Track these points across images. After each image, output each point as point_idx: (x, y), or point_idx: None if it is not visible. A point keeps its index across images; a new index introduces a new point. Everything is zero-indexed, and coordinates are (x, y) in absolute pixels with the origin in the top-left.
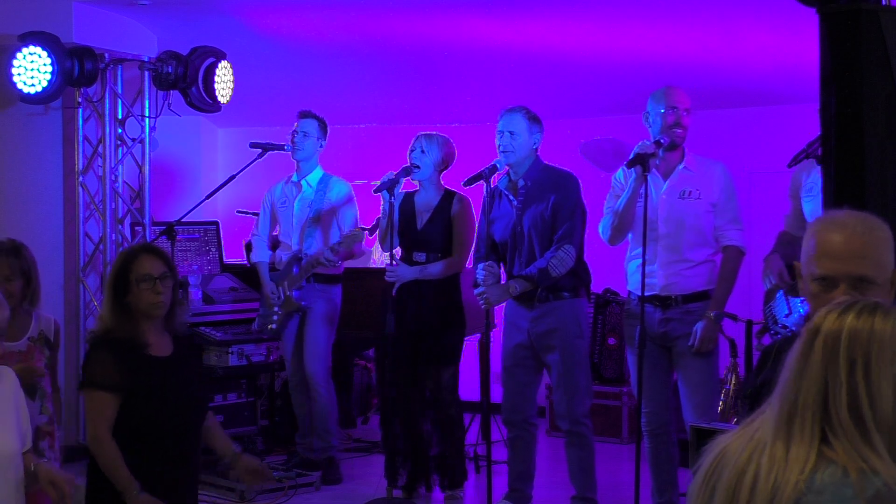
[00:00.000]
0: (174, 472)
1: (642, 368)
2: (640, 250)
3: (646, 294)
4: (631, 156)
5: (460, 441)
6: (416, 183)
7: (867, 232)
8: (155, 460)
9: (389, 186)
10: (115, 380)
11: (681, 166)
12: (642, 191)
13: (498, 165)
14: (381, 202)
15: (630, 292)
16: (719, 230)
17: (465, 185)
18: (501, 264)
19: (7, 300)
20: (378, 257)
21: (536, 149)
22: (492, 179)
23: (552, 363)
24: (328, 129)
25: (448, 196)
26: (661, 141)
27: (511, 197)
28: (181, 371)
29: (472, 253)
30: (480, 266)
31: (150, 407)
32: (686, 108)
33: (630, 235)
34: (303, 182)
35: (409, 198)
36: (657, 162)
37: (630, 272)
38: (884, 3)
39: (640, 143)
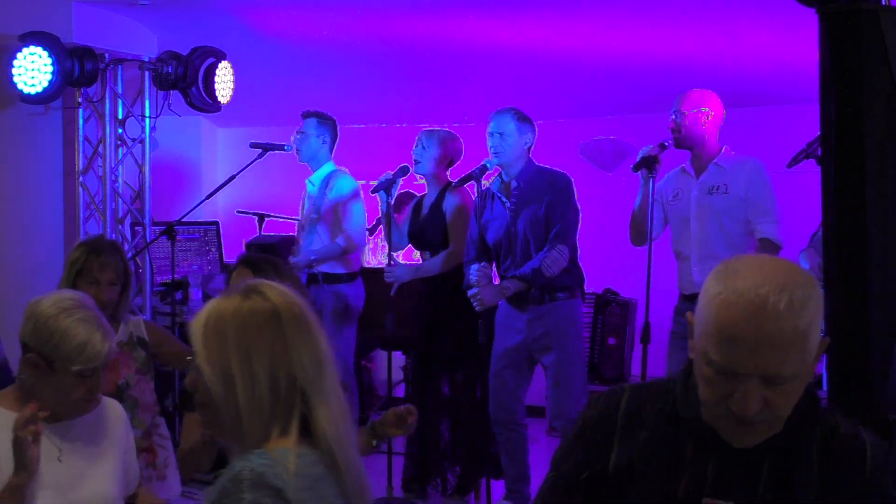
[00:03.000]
0: None
1: (645, 364)
2: (678, 250)
3: (686, 293)
4: (637, 159)
5: (478, 446)
6: (417, 177)
7: (792, 312)
8: None
9: (386, 187)
10: None
11: (712, 164)
12: (685, 190)
13: (488, 165)
14: (379, 202)
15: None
16: (752, 224)
17: (455, 185)
18: (493, 266)
19: (102, 308)
20: (377, 256)
21: (528, 149)
22: (482, 180)
23: (548, 363)
24: (334, 123)
25: (443, 191)
26: (665, 143)
27: (504, 199)
28: None
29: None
30: (473, 267)
31: None
32: (688, 111)
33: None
34: (307, 181)
35: (420, 200)
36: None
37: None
38: (884, 3)
39: (644, 147)
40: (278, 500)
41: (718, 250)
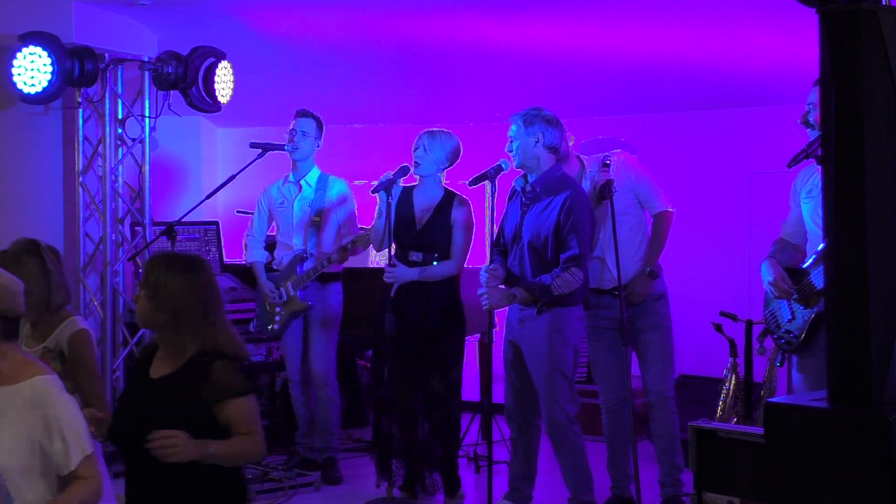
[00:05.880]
0: (135, 490)
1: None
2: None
3: (605, 288)
4: (598, 189)
5: (458, 446)
6: (417, 178)
7: None
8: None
9: (387, 187)
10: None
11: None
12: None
13: (503, 166)
14: (378, 202)
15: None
16: (647, 207)
17: (470, 185)
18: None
19: (30, 309)
20: (374, 256)
21: (547, 149)
22: (496, 180)
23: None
24: (324, 127)
25: (449, 197)
26: (607, 162)
27: (523, 198)
28: (167, 396)
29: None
30: (483, 268)
31: (115, 426)
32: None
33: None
34: (302, 182)
35: (407, 193)
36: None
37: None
38: (884, 3)
39: (597, 176)
40: None
41: (621, 244)
